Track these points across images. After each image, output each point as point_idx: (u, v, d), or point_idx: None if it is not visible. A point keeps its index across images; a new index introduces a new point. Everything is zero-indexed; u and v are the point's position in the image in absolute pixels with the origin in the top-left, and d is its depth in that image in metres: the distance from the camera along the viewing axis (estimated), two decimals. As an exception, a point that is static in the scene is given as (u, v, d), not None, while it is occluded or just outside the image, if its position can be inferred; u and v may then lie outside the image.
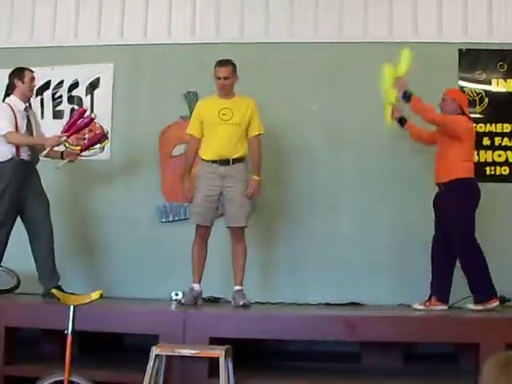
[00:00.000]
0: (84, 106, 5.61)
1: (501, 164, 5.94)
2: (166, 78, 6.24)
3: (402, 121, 5.41)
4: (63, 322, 3.72)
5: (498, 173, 5.93)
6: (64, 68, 6.32)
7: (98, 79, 6.36)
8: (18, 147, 5.17)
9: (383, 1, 6.13)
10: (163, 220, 6.16)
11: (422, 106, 5.01)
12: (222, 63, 5.19)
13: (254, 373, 4.36)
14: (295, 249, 5.96)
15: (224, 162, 5.15)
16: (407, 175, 5.87)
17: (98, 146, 5.52)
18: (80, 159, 5.49)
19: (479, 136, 5.65)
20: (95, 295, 3.80)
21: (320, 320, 4.50)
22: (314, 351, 5.06)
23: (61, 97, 6.37)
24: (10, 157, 5.16)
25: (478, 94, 5.89)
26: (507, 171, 5.93)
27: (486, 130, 5.94)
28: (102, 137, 5.52)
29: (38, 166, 5.39)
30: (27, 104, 5.35)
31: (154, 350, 3.90)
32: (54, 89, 6.34)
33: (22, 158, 5.20)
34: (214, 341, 4.20)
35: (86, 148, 5.44)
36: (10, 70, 5.36)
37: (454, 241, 4.94)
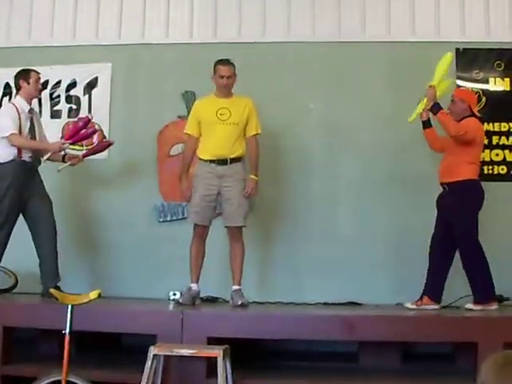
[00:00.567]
0: (89, 115, 5.65)
1: (498, 163, 5.95)
2: (164, 77, 6.25)
3: (425, 123, 5.25)
4: (61, 321, 3.71)
5: (495, 172, 5.94)
6: (62, 68, 6.32)
7: (96, 79, 6.36)
8: (19, 149, 5.17)
9: (381, 0, 6.14)
10: (161, 219, 6.16)
11: (448, 119, 4.98)
12: (225, 62, 5.18)
13: (252, 372, 4.35)
14: (293, 248, 5.96)
15: (222, 161, 5.15)
16: (405, 176, 5.87)
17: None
18: (80, 160, 5.55)
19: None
20: (93, 295, 3.80)
21: (318, 320, 4.49)
22: (312, 351, 5.06)
23: (59, 96, 6.37)
24: (11, 158, 5.16)
25: (475, 93, 5.88)
26: (505, 170, 5.94)
27: (484, 129, 5.93)
28: (108, 146, 5.70)
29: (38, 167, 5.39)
30: (31, 106, 5.35)
31: (152, 350, 3.89)
32: (51, 88, 6.33)
33: (23, 159, 5.20)
34: (212, 340, 4.19)
35: (90, 154, 5.60)
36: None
37: (458, 241, 4.94)
